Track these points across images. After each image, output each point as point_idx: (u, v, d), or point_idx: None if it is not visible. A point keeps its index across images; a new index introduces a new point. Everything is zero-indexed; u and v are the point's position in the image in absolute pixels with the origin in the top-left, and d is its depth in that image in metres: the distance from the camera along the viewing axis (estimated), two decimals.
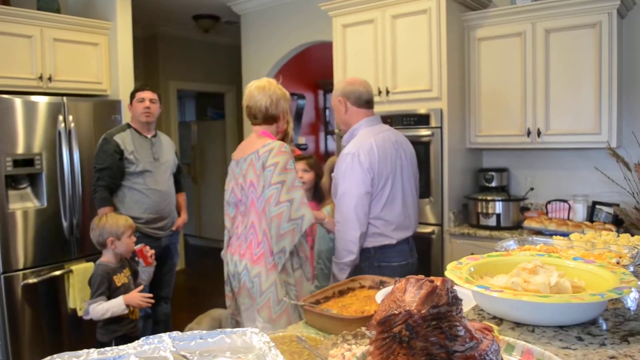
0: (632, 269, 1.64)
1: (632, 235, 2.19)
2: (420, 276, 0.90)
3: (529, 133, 3.66)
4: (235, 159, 2.60)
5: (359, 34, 4.04)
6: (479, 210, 3.74)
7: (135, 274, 3.04)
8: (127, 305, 2.78)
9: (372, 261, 2.66)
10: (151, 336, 0.76)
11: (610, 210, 3.55)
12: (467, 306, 1.47)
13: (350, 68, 4.09)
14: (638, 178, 3.31)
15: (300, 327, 1.67)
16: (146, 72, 6.83)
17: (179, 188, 3.94)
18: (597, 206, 3.62)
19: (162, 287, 3.76)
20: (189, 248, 7.93)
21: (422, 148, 3.69)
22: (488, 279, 1.45)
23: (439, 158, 3.71)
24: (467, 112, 3.94)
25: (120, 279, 2.87)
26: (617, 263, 1.61)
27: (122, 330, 2.83)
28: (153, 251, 3.10)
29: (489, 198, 3.73)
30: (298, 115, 6.59)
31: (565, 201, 3.70)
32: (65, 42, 4.17)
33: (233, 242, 2.58)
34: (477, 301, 1.44)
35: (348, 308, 1.74)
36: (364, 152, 2.58)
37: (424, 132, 3.71)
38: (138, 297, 2.80)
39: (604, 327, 1.28)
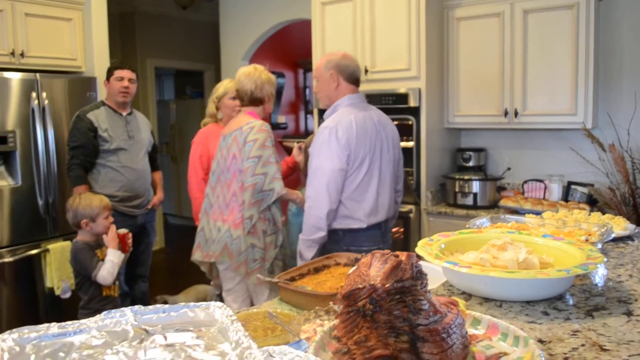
0: (600, 246, 1.68)
1: (604, 214, 2.23)
2: (386, 251, 0.90)
3: (506, 113, 3.68)
4: (223, 134, 2.90)
5: (338, 12, 4.00)
6: (457, 189, 3.77)
7: None
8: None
9: (341, 245, 2.57)
10: (113, 310, 0.76)
11: (585, 190, 3.61)
12: (437, 282, 1.48)
13: (328, 46, 4.05)
14: (612, 159, 3.36)
15: (274, 304, 1.67)
16: (123, 49, 6.70)
17: (154, 167, 3.91)
18: (572, 186, 3.67)
19: (139, 266, 3.75)
20: (168, 227, 7.87)
21: (399, 127, 3.68)
22: (458, 255, 1.47)
23: (417, 137, 3.72)
24: (446, 92, 3.94)
25: (103, 251, 2.89)
26: (586, 240, 1.64)
27: (106, 309, 2.80)
28: (130, 240, 3.09)
29: (466, 177, 3.76)
30: (278, 94, 6.48)
31: (541, 181, 3.75)
32: (38, 17, 4.06)
33: (215, 210, 2.84)
34: (446, 277, 1.45)
35: (323, 285, 1.74)
36: (342, 127, 2.49)
37: (402, 112, 3.70)
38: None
39: (570, 302, 1.31)
